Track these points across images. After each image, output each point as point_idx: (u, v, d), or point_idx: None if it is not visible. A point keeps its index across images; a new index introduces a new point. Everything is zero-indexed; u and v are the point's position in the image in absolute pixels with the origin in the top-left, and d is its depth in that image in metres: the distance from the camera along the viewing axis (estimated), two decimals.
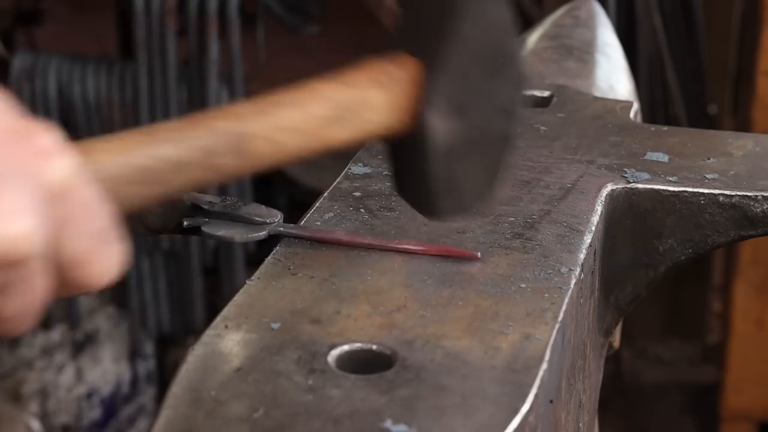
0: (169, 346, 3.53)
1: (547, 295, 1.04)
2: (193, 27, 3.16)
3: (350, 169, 1.28)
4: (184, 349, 1.11)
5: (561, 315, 1.01)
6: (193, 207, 1.12)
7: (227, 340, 0.96)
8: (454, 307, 1.01)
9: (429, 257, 1.09)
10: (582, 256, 1.11)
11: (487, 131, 0.99)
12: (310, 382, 0.90)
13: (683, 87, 3.30)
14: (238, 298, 1.02)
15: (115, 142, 0.84)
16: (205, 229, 1.11)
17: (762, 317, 3.20)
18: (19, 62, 3.21)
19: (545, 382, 0.93)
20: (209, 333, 0.97)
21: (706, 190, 1.26)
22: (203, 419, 0.86)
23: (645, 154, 1.34)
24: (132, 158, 0.84)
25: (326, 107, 0.93)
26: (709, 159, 1.33)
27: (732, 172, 1.30)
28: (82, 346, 3.38)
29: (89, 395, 3.40)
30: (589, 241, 1.15)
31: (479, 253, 1.09)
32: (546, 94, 1.54)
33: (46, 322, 3.30)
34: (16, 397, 3.31)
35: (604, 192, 1.24)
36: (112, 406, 3.44)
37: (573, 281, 1.07)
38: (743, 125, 3.19)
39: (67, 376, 3.37)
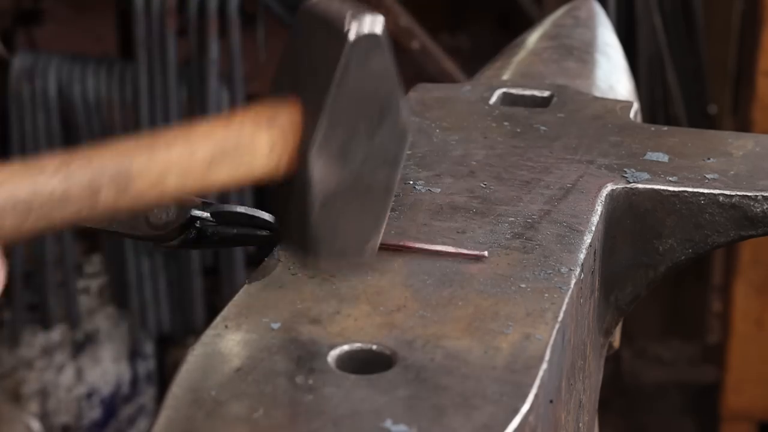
0: (169, 346, 3.53)
1: (547, 295, 1.04)
2: (193, 27, 3.16)
3: None
4: (184, 349, 1.11)
5: (561, 315, 1.01)
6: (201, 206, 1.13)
7: (227, 340, 0.96)
8: (454, 307, 1.01)
9: (429, 257, 1.09)
10: (582, 256, 1.11)
11: (368, 180, 0.99)
12: (310, 382, 0.90)
13: (683, 87, 3.31)
14: (238, 298, 1.02)
15: None
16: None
17: (762, 317, 3.20)
18: (19, 62, 3.21)
19: (545, 382, 0.93)
20: (209, 333, 0.97)
21: (706, 190, 1.26)
22: (203, 419, 0.86)
23: (645, 154, 1.34)
24: (11, 190, 0.84)
25: (209, 148, 0.93)
26: (709, 159, 1.33)
27: (732, 172, 1.30)
28: (82, 346, 3.38)
29: (89, 395, 3.40)
30: (589, 241, 1.15)
31: (486, 252, 1.10)
32: (546, 94, 1.54)
33: (46, 322, 3.30)
34: (16, 397, 3.31)
35: (604, 192, 1.24)
36: (112, 406, 3.44)
37: (573, 281, 1.07)
38: (743, 125, 3.19)
39: (67, 376, 3.37)
